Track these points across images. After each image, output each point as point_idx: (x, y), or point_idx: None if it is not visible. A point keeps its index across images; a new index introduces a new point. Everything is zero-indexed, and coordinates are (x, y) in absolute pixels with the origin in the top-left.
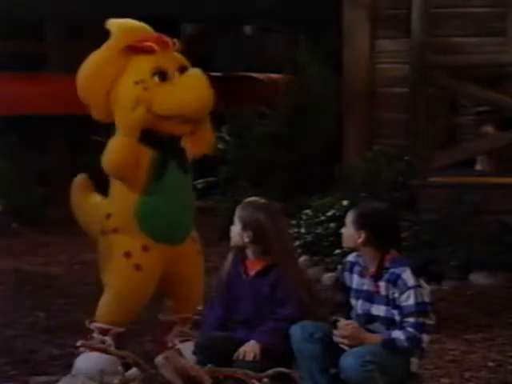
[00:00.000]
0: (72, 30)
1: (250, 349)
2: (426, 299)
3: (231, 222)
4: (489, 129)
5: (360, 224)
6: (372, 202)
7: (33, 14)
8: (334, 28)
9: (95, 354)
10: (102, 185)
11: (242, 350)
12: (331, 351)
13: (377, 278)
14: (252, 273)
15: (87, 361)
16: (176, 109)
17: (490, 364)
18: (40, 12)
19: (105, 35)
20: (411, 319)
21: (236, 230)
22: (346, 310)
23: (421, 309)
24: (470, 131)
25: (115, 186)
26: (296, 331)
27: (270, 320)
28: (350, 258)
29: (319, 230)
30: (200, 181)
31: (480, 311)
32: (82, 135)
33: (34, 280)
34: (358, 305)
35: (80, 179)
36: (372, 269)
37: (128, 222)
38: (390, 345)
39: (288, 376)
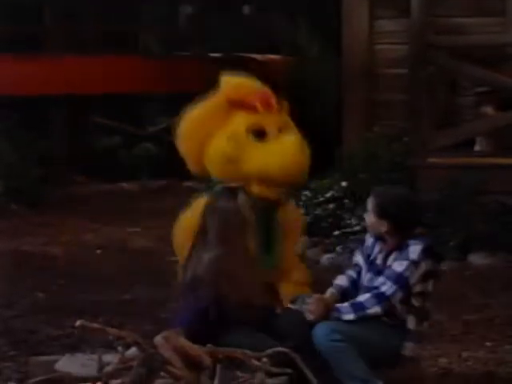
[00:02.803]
0: (71, 12)
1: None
2: (411, 279)
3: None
4: (488, 109)
5: (381, 214)
6: (391, 189)
7: None
8: (333, 8)
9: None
10: (97, 167)
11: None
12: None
13: (391, 252)
14: None
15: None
16: (261, 170)
17: (488, 344)
18: None
19: (104, 17)
20: (387, 281)
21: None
22: (359, 272)
23: (399, 280)
24: (470, 112)
25: None
26: (319, 331)
27: None
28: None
29: (318, 211)
30: None
31: (478, 291)
32: (82, 116)
33: (33, 260)
34: (367, 277)
35: None
36: (391, 244)
37: None
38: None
39: (288, 356)
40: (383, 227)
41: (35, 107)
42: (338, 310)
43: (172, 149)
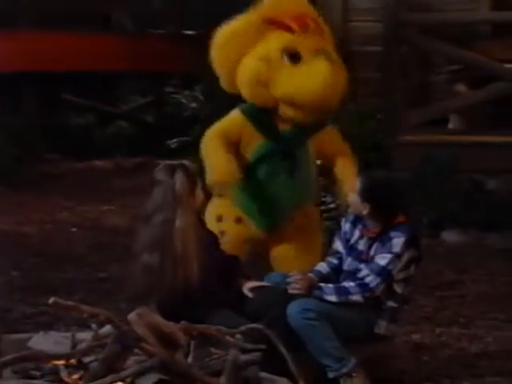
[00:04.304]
0: None
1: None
2: (394, 271)
3: (203, 181)
4: (461, 87)
5: (365, 196)
6: (380, 173)
7: None
8: None
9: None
10: (70, 146)
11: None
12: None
13: (374, 240)
14: None
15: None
16: (289, 94)
17: (461, 320)
18: None
19: None
20: (369, 273)
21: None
22: (340, 258)
23: (382, 273)
24: (443, 89)
25: None
26: (293, 309)
27: None
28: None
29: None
30: (173, 140)
31: (451, 268)
32: (55, 94)
33: (7, 239)
34: (347, 262)
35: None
36: (373, 231)
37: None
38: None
39: (262, 332)
40: (365, 209)
41: (6, 84)
42: (321, 288)
43: (147, 127)
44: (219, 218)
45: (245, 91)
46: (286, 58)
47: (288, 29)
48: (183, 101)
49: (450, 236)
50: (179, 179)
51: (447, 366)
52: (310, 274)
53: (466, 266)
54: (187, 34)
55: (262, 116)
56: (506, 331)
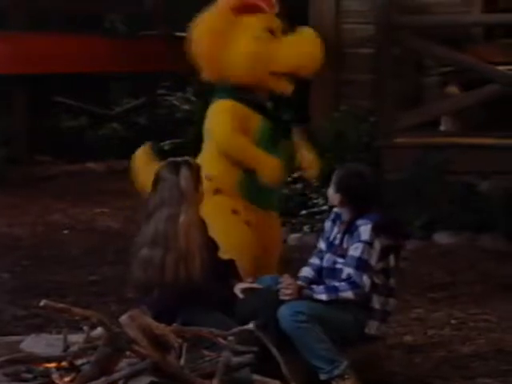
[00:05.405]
0: None
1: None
2: (371, 260)
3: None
4: (453, 89)
5: (337, 186)
6: (352, 165)
7: None
8: None
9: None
10: (63, 148)
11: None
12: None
13: (345, 232)
14: None
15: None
16: (293, 65)
17: (453, 321)
18: None
19: None
20: (351, 270)
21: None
22: (322, 257)
23: (360, 264)
24: (435, 92)
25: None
26: (284, 312)
27: None
28: (337, 209)
29: (286, 191)
30: (167, 142)
31: (443, 270)
32: (47, 96)
33: None
34: (326, 258)
35: (142, 151)
36: (347, 222)
37: (231, 185)
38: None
39: (253, 334)
40: (336, 200)
41: None
42: (311, 288)
43: (139, 129)
44: (235, 211)
45: (242, 73)
46: (269, 35)
47: (260, 10)
48: (175, 103)
49: (441, 238)
50: (184, 176)
51: (439, 368)
52: (299, 282)
53: (458, 268)
54: (179, 35)
55: (250, 96)
56: (498, 332)
